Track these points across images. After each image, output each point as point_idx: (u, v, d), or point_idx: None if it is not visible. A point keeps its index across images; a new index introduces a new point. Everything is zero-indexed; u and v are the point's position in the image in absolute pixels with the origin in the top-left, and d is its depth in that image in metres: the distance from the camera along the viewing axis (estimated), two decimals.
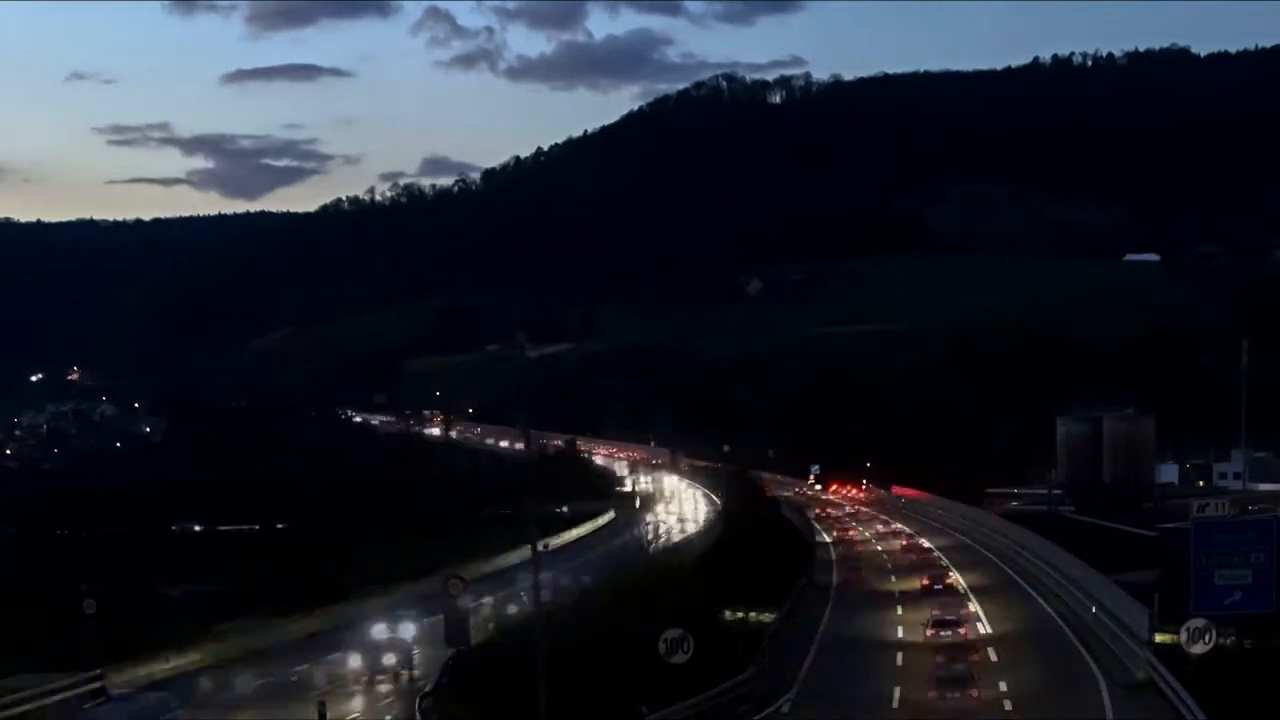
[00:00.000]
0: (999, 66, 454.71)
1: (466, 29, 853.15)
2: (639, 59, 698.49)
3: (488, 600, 74.60)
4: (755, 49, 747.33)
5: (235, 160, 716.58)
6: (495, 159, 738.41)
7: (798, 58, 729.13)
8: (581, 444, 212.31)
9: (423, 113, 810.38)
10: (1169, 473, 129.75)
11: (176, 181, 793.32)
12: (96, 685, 53.36)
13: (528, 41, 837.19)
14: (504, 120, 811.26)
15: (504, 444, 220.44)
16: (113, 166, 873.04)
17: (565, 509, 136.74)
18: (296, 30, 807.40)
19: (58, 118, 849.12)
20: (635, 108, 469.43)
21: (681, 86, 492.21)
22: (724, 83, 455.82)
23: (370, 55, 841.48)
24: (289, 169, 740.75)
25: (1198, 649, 42.61)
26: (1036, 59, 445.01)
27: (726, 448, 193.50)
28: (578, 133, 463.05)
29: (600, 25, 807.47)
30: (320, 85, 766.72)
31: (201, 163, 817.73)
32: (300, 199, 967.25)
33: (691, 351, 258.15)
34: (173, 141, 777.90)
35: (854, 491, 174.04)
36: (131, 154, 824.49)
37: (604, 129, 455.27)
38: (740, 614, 60.28)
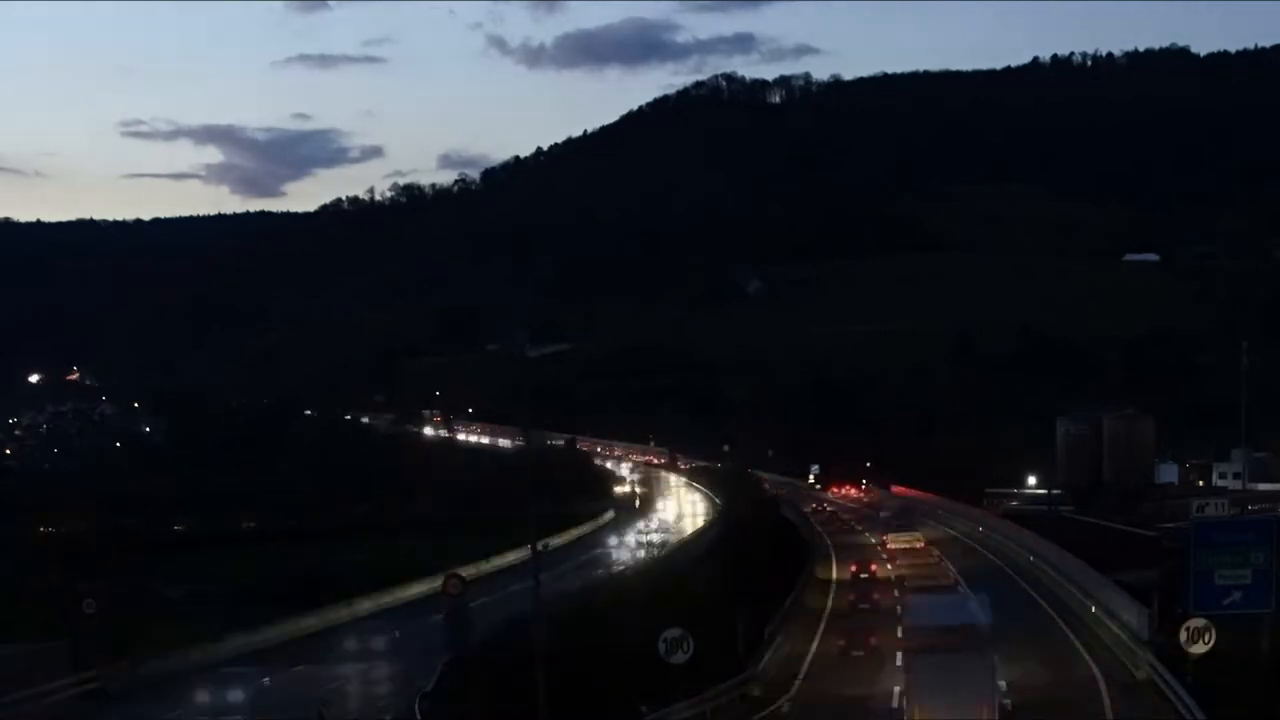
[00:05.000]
0: (999, 66, 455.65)
1: (477, 19, 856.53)
2: (656, 45, 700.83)
3: None
4: (764, 37, 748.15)
5: (246, 154, 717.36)
6: (508, 151, 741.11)
7: (808, 46, 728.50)
8: (591, 444, 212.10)
9: (438, 104, 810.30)
10: (1169, 473, 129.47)
11: (186, 176, 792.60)
12: (93, 685, 53.53)
13: (541, 28, 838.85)
14: (518, 109, 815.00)
15: (504, 442, 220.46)
16: (123, 162, 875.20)
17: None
18: (306, 18, 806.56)
19: (67, 112, 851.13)
20: (636, 107, 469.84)
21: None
22: (724, 82, 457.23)
23: (383, 43, 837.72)
24: (299, 161, 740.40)
25: (1198, 649, 42.61)
26: (1036, 59, 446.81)
27: (726, 448, 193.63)
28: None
29: (617, 12, 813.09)
30: (327, 76, 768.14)
31: (213, 156, 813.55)
32: (309, 192, 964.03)
33: (691, 351, 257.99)
34: (182, 135, 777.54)
35: (851, 491, 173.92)
36: (141, 148, 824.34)
37: (603, 128, 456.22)
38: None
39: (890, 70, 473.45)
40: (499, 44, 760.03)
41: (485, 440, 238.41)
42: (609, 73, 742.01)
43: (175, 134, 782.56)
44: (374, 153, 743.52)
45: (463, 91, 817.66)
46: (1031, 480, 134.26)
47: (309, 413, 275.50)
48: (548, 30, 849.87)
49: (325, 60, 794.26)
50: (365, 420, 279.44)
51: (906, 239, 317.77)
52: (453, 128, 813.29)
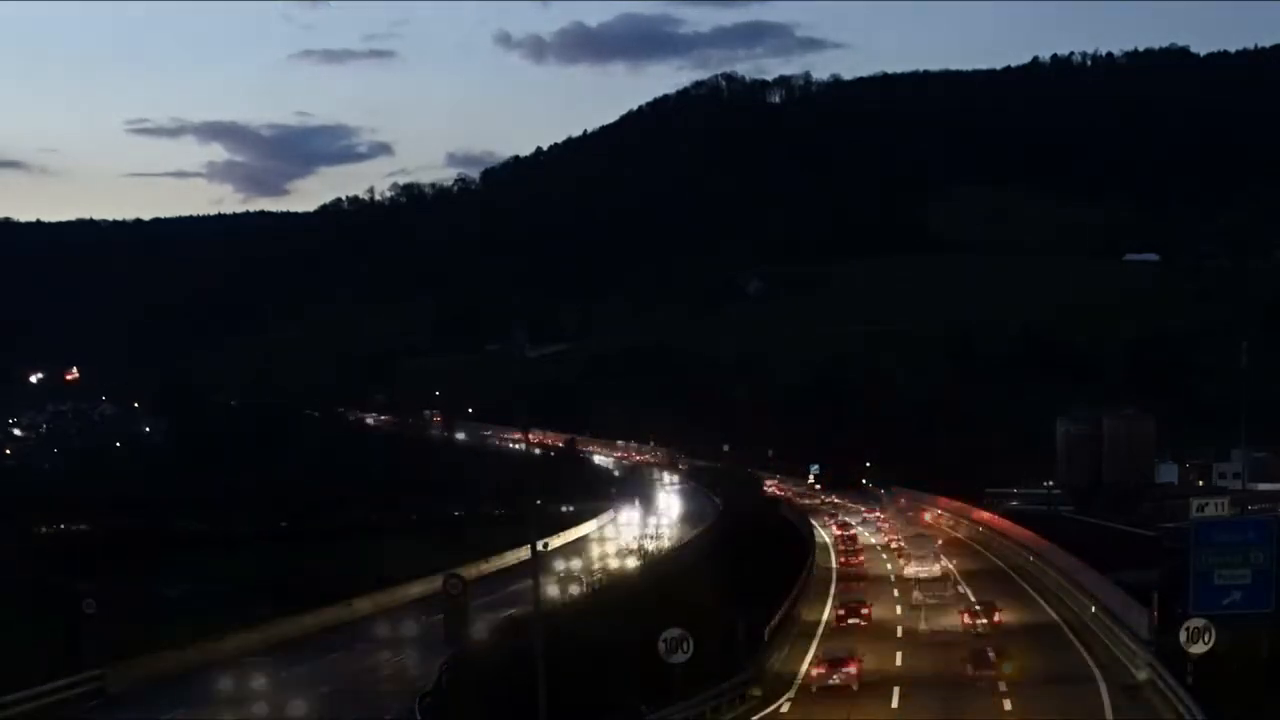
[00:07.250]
0: (999, 66, 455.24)
1: (482, 15, 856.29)
2: (661, 39, 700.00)
3: None
4: (769, 31, 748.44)
5: (250, 151, 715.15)
6: (516, 147, 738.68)
7: (812, 39, 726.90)
8: (595, 445, 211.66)
9: (444, 100, 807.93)
10: (1169, 473, 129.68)
11: (190, 174, 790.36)
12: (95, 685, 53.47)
13: (546, 24, 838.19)
14: (526, 105, 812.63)
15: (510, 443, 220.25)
16: (126, 159, 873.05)
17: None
18: (310, 14, 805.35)
19: (71, 109, 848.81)
20: (636, 106, 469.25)
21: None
22: (724, 82, 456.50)
23: (388, 38, 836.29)
24: (304, 158, 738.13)
25: (1198, 649, 42.57)
26: (1036, 59, 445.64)
27: (726, 448, 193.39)
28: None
29: (621, 6, 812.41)
30: (332, 72, 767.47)
31: (218, 154, 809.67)
32: (315, 190, 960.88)
33: (691, 351, 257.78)
34: (187, 131, 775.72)
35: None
36: (145, 145, 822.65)
37: (603, 128, 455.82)
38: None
39: (890, 70, 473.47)
40: (504, 40, 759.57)
41: (511, 442, 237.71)
42: (614, 67, 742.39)
43: (179, 131, 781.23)
44: (381, 149, 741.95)
45: (469, 88, 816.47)
46: (1031, 480, 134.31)
47: (309, 413, 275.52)
48: (553, 26, 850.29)
49: (330, 56, 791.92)
50: (368, 420, 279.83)
51: (906, 239, 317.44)
52: (460, 124, 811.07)
